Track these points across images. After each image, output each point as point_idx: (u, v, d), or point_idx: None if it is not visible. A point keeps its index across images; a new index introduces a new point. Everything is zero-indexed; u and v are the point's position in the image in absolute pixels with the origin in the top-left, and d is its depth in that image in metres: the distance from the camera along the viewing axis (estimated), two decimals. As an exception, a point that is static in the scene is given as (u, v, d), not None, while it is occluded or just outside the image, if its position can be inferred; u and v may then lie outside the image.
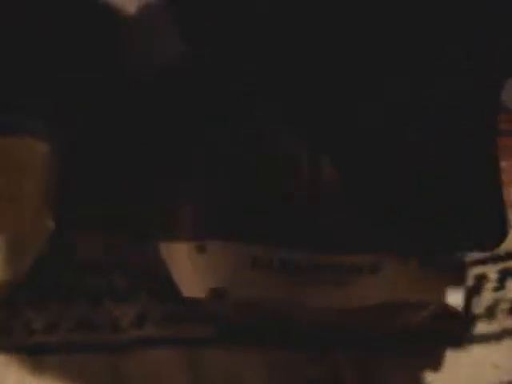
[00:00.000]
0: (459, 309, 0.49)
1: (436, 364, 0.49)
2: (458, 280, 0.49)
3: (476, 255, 0.52)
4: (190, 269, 0.49)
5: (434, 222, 0.46)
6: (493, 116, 0.46)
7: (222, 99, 0.49)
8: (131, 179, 0.53)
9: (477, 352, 0.50)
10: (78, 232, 0.53)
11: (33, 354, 0.49)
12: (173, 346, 0.50)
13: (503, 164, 0.57)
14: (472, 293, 0.52)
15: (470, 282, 0.52)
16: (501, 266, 0.53)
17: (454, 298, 0.49)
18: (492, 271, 0.53)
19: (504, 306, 0.52)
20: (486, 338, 0.50)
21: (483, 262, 0.53)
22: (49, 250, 0.51)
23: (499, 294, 0.52)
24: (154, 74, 0.54)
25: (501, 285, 0.53)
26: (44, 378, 0.49)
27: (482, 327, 0.51)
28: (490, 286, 0.53)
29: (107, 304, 0.51)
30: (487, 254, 0.53)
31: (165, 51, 0.53)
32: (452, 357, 0.50)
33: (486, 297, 0.52)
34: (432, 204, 0.45)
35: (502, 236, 0.45)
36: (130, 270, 0.52)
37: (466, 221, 0.45)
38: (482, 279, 0.53)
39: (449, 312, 0.49)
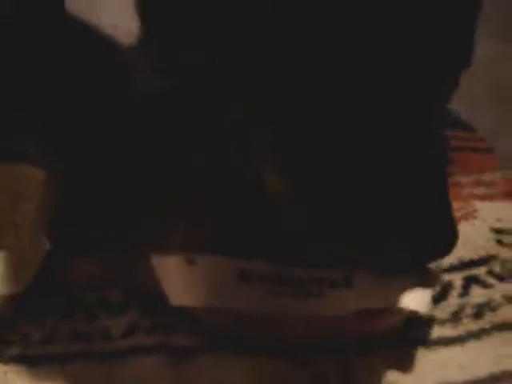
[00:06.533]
0: (427, 314, 0.53)
1: (405, 365, 0.52)
2: (426, 288, 0.52)
3: (441, 264, 0.56)
4: (179, 280, 0.51)
5: (395, 238, 0.50)
6: (438, 130, 0.49)
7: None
8: (126, 195, 0.56)
9: (443, 353, 0.53)
10: (74, 251, 0.56)
11: (30, 365, 0.52)
12: (163, 354, 0.52)
13: (463, 179, 0.62)
14: (438, 299, 0.55)
15: (437, 289, 0.55)
16: (465, 273, 0.57)
17: (422, 304, 0.52)
18: (457, 278, 0.57)
19: (468, 311, 0.55)
20: (451, 341, 0.53)
21: (448, 270, 0.57)
22: (46, 268, 0.54)
23: (464, 300, 0.55)
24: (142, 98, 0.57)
25: (465, 291, 0.56)
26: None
27: (447, 331, 0.54)
28: (455, 292, 0.56)
29: (101, 317, 0.54)
30: (453, 263, 0.57)
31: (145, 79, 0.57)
32: (420, 358, 0.52)
33: (452, 302, 0.55)
34: (390, 221, 0.49)
35: (452, 244, 0.49)
36: (123, 285, 0.55)
37: (421, 234, 0.49)
38: (447, 286, 0.56)
39: (417, 317, 0.53)
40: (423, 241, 0.48)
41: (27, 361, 0.52)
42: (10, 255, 0.53)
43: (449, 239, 0.48)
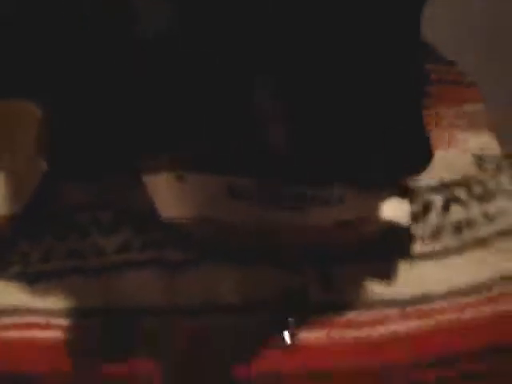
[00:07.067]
0: (407, 228, 0.55)
1: (387, 278, 0.55)
2: (404, 201, 0.55)
3: (422, 183, 0.58)
4: (169, 195, 0.54)
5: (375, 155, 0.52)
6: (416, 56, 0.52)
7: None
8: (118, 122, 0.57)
9: (423, 267, 0.55)
10: (68, 175, 0.58)
11: (31, 282, 0.54)
12: (156, 268, 0.54)
13: (442, 111, 0.64)
14: (419, 217, 0.57)
15: (419, 207, 0.58)
16: (446, 194, 0.59)
17: (401, 215, 0.55)
18: (437, 199, 0.59)
19: (448, 228, 0.57)
20: (431, 256, 0.56)
21: (430, 190, 0.59)
22: (42, 191, 0.56)
23: (444, 218, 0.58)
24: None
25: (445, 210, 0.58)
26: (41, 300, 0.53)
27: (428, 247, 0.56)
28: (435, 211, 0.58)
29: (94, 235, 0.56)
30: (434, 184, 0.59)
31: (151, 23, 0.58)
32: (402, 272, 0.55)
33: (432, 220, 0.57)
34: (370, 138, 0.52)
35: (426, 162, 0.52)
36: (115, 206, 0.57)
37: (399, 152, 0.52)
38: (428, 205, 0.58)
39: (397, 229, 0.55)
40: (401, 155, 0.51)
41: (28, 278, 0.54)
42: (7, 176, 0.55)
43: (423, 154, 0.51)
